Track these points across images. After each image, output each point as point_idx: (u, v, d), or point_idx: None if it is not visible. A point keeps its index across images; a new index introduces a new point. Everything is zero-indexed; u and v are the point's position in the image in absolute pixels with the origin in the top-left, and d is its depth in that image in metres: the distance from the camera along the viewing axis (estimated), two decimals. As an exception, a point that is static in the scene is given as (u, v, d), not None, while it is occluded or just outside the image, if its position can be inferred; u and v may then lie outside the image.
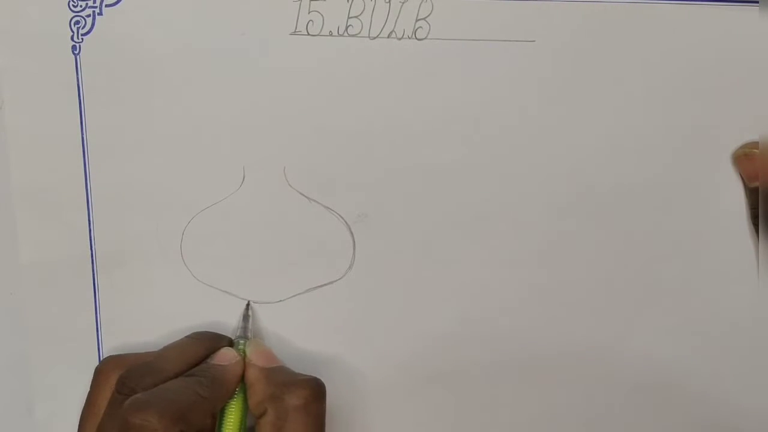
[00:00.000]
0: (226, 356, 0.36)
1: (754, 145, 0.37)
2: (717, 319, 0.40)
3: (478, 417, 0.41)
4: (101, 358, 0.39)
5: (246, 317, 0.39)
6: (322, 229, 0.38)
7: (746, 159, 0.37)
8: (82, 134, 0.37)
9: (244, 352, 0.37)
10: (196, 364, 0.36)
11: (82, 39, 0.36)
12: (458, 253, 0.39)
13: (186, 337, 0.38)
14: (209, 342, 0.37)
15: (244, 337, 0.38)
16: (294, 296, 0.39)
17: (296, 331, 0.39)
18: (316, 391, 0.35)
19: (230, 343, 0.38)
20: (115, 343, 0.39)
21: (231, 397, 0.36)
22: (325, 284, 0.39)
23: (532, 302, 0.40)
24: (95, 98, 0.37)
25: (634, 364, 0.40)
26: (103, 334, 0.39)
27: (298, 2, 0.36)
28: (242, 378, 0.36)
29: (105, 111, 0.37)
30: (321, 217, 0.38)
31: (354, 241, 0.39)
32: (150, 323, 0.39)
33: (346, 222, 0.38)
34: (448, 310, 0.40)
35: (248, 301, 0.39)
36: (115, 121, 0.37)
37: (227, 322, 0.39)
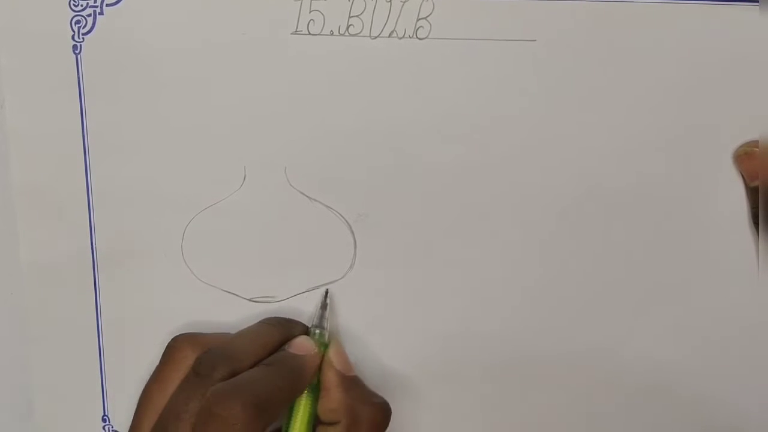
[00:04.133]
0: (303, 346, 0.36)
1: (755, 144, 0.37)
2: (717, 319, 0.40)
3: (479, 417, 0.41)
4: (102, 358, 0.39)
5: (324, 305, 0.38)
6: (323, 229, 0.38)
7: (747, 158, 0.37)
8: (83, 134, 0.37)
9: (321, 343, 0.36)
10: (272, 351, 0.35)
11: (83, 38, 0.36)
12: (459, 253, 0.39)
13: (260, 321, 0.37)
14: (284, 328, 0.37)
15: (321, 326, 0.37)
16: (295, 295, 0.39)
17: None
18: (387, 418, 0.35)
19: (305, 330, 0.37)
20: (115, 343, 0.39)
21: (305, 389, 0.35)
22: (326, 284, 0.39)
23: (532, 302, 0.40)
24: (96, 97, 0.37)
25: (635, 364, 0.40)
26: (104, 333, 0.39)
27: (299, 2, 0.36)
28: (317, 372, 0.36)
29: (106, 110, 0.37)
30: (322, 217, 0.38)
31: (355, 241, 0.39)
32: (151, 322, 0.39)
33: (347, 221, 0.38)
34: (448, 310, 0.40)
35: (326, 289, 0.38)
36: (116, 120, 0.37)
37: (228, 321, 0.39)
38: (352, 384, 0.36)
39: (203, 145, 0.38)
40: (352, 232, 0.39)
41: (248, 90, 0.37)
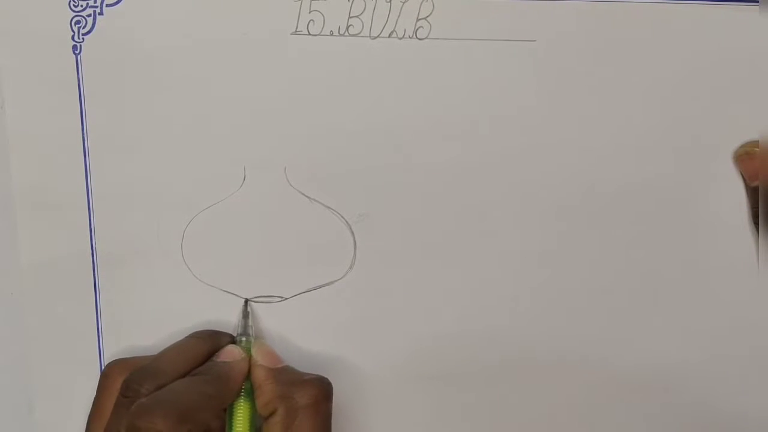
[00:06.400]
0: (231, 353, 0.37)
1: (755, 144, 0.37)
2: (717, 319, 0.40)
3: (479, 417, 0.41)
4: (102, 358, 0.39)
5: (246, 314, 0.39)
6: (323, 229, 0.38)
7: (747, 158, 0.37)
8: (83, 134, 0.37)
9: (249, 350, 0.37)
10: (200, 363, 0.36)
11: (83, 39, 0.36)
12: (459, 253, 0.39)
13: (188, 336, 0.38)
14: (211, 340, 0.38)
15: (246, 334, 0.38)
16: (295, 296, 0.39)
17: (297, 331, 0.39)
18: (324, 390, 0.35)
19: (232, 340, 0.38)
20: (115, 343, 0.39)
21: (237, 394, 0.36)
22: (326, 284, 0.39)
23: (532, 302, 0.40)
24: (96, 98, 0.37)
25: (634, 364, 0.40)
26: (104, 333, 0.39)
27: (299, 2, 0.36)
28: (247, 377, 0.36)
29: (106, 111, 0.37)
30: (322, 217, 0.38)
31: (355, 241, 0.39)
32: (151, 323, 0.39)
33: (346, 222, 0.38)
34: (448, 310, 0.40)
35: (246, 299, 0.39)
36: (116, 120, 0.37)
37: (228, 321, 0.39)
38: (281, 373, 0.36)
39: (203, 145, 0.38)
40: (352, 232, 0.39)
41: (248, 90, 0.37)
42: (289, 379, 0.36)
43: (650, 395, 0.41)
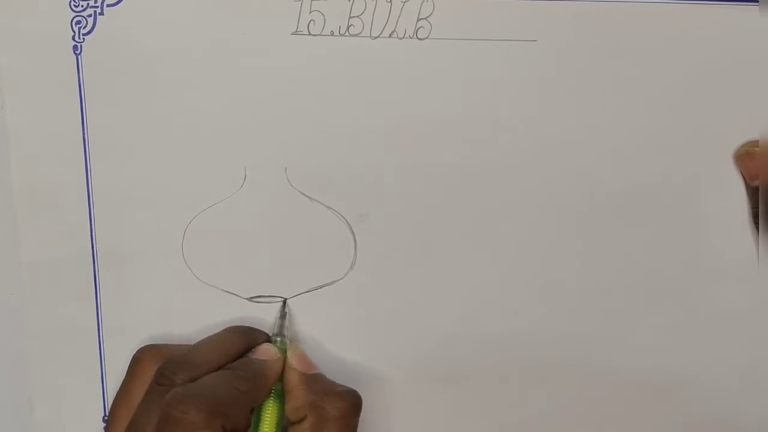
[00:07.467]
0: (266, 352, 0.36)
1: (755, 144, 0.37)
2: (718, 319, 0.40)
3: (479, 417, 0.41)
4: (102, 358, 0.39)
5: (283, 315, 0.38)
6: (324, 229, 0.38)
7: (747, 158, 0.37)
8: (84, 134, 0.37)
9: (284, 351, 0.37)
10: (235, 358, 0.36)
11: (84, 39, 0.36)
12: (459, 253, 0.39)
13: (224, 330, 0.38)
14: (247, 336, 0.37)
15: (281, 335, 0.38)
16: (295, 296, 0.39)
17: (297, 331, 0.39)
18: (355, 404, 0.35)
19: (267, 339, 0.38)
20: (116, 343, 0.39)
21: (269, 393, 0.36)
22: (327, 284, 0.39)
23: (533, 302, 0.40)
24: (96, 98, 0.37)
25: (634, 364, 0.40)
26: (105, 334, 0.39)
27: (299, 2, 0.36)
28: (280, 378, 0.36)
29: (106, 110, 0.37)
30: (322, 217, 0.38)
31: (355, 241, 0.39)
32: (151, 323, 0.39)
33: (347, 222, 0.38)
34: (449, 310, 0.40)
35: (284, 299, 0.39)
36: (117, 120, 0.37)
37: (229, 321, 0.39)
38: (314, 380, 0.36)
39: (203, 145, 0.38)
40: (353, 232, 0.39)
41: (248, 90, 0.37)
42: (321, 387, 0.35)
43: (651, 395, 0.41)
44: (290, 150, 0.38)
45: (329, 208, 0.38)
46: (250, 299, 0.39)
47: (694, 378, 0.41)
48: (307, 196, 0.38)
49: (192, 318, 0.39)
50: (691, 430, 0.41)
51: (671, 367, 0.40)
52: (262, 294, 0.39)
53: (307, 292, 0.39)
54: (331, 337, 0.39)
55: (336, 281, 0.39)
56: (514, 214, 0.39)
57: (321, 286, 0.39)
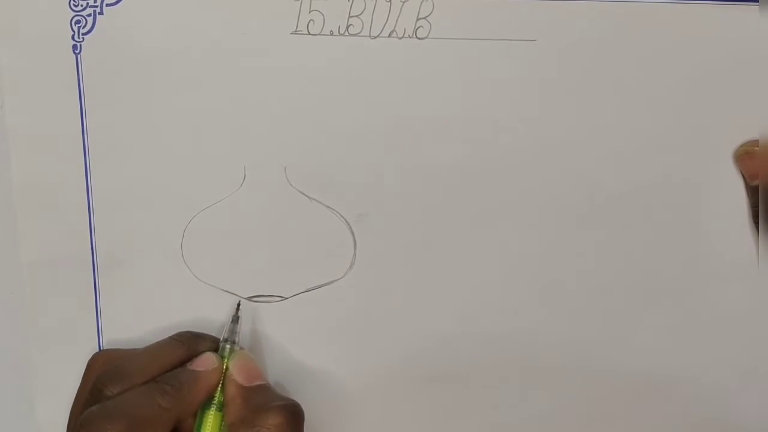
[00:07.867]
0: (204, 362, 0.36)
1: (755, 143, 0.37)
2: (718, 319, 0.40)
3: (479, 417, 0.41)
4: (99, 356, 0.39)
5: (235, 319, 0.38)
6: (323, 229, 0.38)
7: (747, 157, 0.37)
8: (83, 134, 0.37)
9: (227, 358, 0.36)
10: (173, 368, 0.35)
11: (83, 38, 0.36)
12: (459, 253, 0.39)
13: (169, 337, 0.37)
14: (191, 344, 0.37)
15: (231, 341, 0.37)
16: (295, 295, 0.39)
17: (297, 331, 0.39)
18: (290, 418, 0.33)
19: (215, 344, 0.37)
20: (115, 343, 0.39)
21: (198, 406, 0.35)
22: (326, 284, 0.39)
23: (533, 302, 0.40)
24: (96, 98, 0.37)
25: (635, 364, 0.40)
26: (104, 333, 0.39)
27: (299, 1, 0.36)
28: (220, 387, 0.35)
29: (106, 110, 0.37)
30: (322, 217, 0.38)
31: (355, 241, 0.39)
32: (151, 322, 0.39)
33: (346, 221, 0.38)
34: (448, 310, 0.40)
35: (239, 301, 0.38)
36: (116, 120, 0.37)
37: (228, 321, 0.39)
38: (253, 393, 0.35)
39: (203, 145, 0.38)
40: (352, 232, 0.39)
41: (248, 90, 0.37)
42: (257, 402, 0.34)
43: (651, 396, 0.41)
44: (290, 150, 0.38)
45: (328, 207, 0.38)
46: (250, 299, 0.39)
47: (694, 378, 0.40)
48: (306, 196, 0.38)
49: (191, 317, 0.39)
50: (691, 430, 0.41)
51: (671, 367, 0.40)
52: (261, 293, 0.39)
53: (306, 291, 0.39)
54: (330, 336, 0.39)
55: (335, 281, 0.39)
56: (514, 215, 0.39)
57: (320, 286, 0.39)
